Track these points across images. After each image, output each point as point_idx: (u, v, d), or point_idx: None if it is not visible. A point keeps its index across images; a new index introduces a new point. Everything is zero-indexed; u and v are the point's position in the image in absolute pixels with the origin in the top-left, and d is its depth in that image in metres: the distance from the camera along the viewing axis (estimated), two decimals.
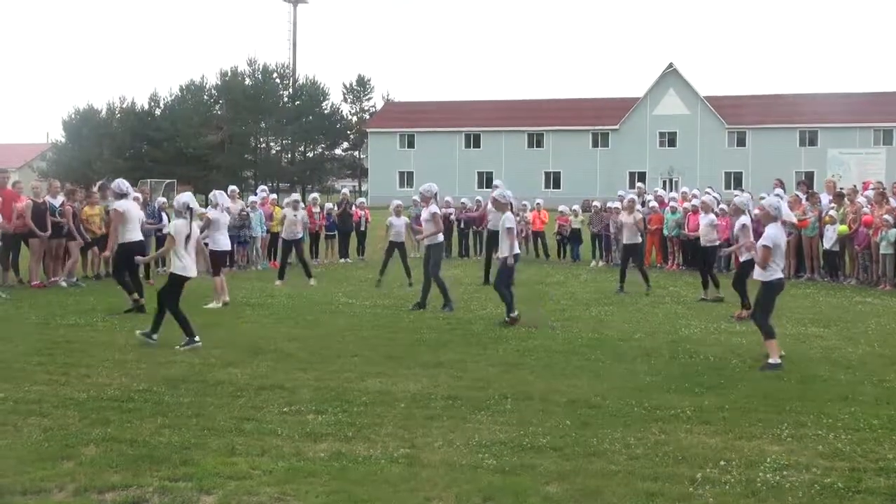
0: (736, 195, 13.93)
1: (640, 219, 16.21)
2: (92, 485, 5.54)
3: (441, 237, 14.00)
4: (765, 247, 9.32)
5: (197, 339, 10.07)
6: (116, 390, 8.00)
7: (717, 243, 15.33)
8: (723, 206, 18.23)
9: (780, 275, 9.51)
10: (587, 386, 8.24)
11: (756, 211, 12.55)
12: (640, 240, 16.42)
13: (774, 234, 9.40)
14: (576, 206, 23.46)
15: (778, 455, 6.14)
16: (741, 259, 13.05)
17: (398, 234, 17.24)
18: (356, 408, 7.42)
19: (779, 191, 19.57)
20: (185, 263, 10.30)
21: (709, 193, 19.27)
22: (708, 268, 14.93)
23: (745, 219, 12.50)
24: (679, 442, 6.48)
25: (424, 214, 14.06)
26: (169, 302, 10.26)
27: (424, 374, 8.70)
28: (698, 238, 15.39)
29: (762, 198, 15.33)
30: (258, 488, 5.51)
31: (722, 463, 5.97)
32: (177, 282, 10.30)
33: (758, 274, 9.61)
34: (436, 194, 14.12)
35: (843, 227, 16.88)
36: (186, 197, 10.55)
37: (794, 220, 10.70)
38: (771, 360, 9.16)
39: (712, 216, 15.23)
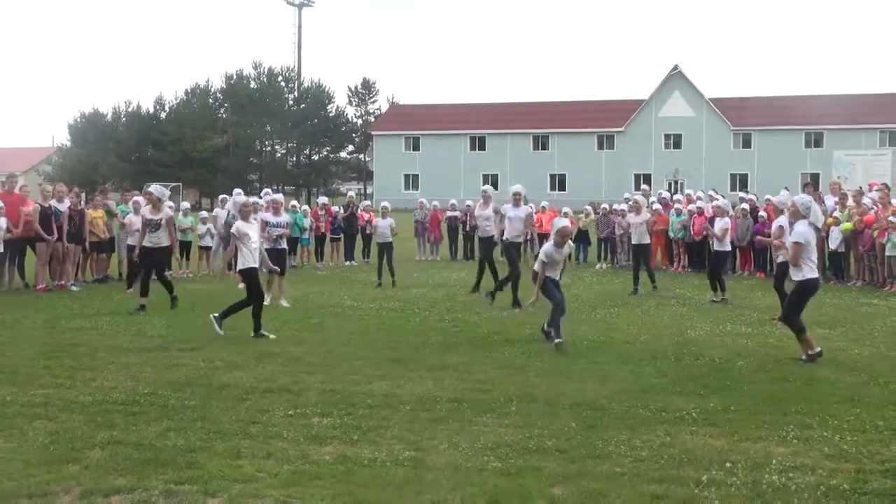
0: (746, 195, 13.83)
1: (650, 219, 16.23)
2: (97, 488, 5.56)
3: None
4: (796, 243, 9.34)
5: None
6: (122, 394, 8.02)
7: (728, 248, 15.34)
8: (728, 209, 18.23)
9: (815, 274, 9.53)
10: (592, 388, 8.23)
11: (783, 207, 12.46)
12: (648, 240, 16.47)
13: (804, 230, 9.40)
14: (587, 207, 23.27)
15: (784, 457, 6.13)
16: (777, 261, 12.99)
17: (383, 235, 17.40)
18: (361, 411, 7.43)
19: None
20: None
21: (713, 197, 19.26)
22: (717, 272, 14.91)
23: (783, 219, 12.33)
24: (684, 444, 6.47)
25: (511, 213, 14.30)
26: None
27: (430, 377, 8.71)
28: (705, 239, 15.37)
29: (767, 200, 15.31)
30: (264, 491, 5.51)
31: (727, 465, 5.96)
32: None
33: (793, 273, 9.64)
34: (524, 195, 14.57)
35: (848, 225, 16.83)
36: None
37: (820, 223, 10.66)
38: (810, 352, 9.37)
39: (727, 220, 15.18)
